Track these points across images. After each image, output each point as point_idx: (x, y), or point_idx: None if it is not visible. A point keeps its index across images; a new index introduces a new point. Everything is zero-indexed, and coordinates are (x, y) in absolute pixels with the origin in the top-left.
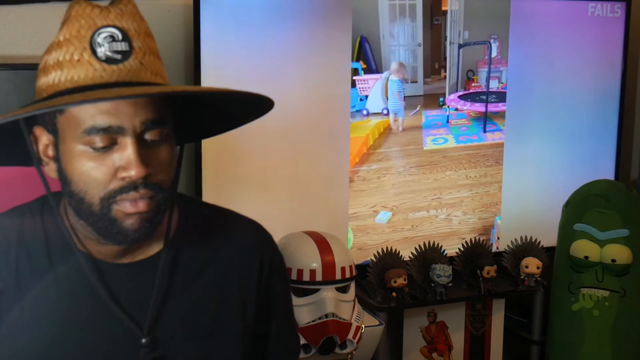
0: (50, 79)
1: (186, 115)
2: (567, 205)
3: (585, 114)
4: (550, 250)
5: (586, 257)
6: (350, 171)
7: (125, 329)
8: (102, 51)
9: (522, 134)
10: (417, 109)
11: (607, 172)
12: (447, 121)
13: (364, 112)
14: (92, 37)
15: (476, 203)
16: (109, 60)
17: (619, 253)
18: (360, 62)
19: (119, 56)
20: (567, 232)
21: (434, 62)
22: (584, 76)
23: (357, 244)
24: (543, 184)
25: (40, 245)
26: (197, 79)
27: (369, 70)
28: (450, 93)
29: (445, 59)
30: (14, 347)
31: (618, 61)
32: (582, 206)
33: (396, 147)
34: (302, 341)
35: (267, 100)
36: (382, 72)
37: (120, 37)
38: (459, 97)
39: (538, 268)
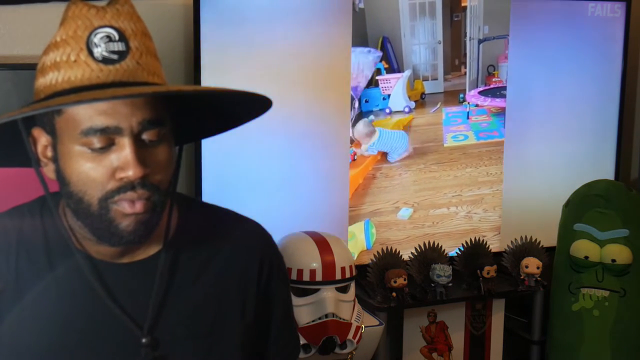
0: (48, 80)
1: (185, 116)
2: (567, 205)
3: (585, 114)
4: (550, 250)
5: (586, 257)
6: (373, 168)
7: (126, 329)
8: (98, 51)
9: (522, 133)
10: (437, 106)
11: (607, 172)
12: (468, 117)
13: (387, 110)
14: (88, 37)
15: (497, 200)
16: (105, 61)
17: (619, 253)
18: (383, 62)
19: (115, 56)
20: (567, 232)
21: (454, 59)
22: (584, 76)
23: (379, 240)
24: (543, 184)
25: (39, 245)
26: (197, 79)
27: (391, 70)
28: (470, 89)
29: (465, 55)
30: (14, 347)
31: (618, 61)
32: (582, 206)
33: (416, 144)
34: (302, 341)
35: (265, 99)
36: (403, 71)
37: (116, 37)
38: (480, 93)
39: (538, 268)
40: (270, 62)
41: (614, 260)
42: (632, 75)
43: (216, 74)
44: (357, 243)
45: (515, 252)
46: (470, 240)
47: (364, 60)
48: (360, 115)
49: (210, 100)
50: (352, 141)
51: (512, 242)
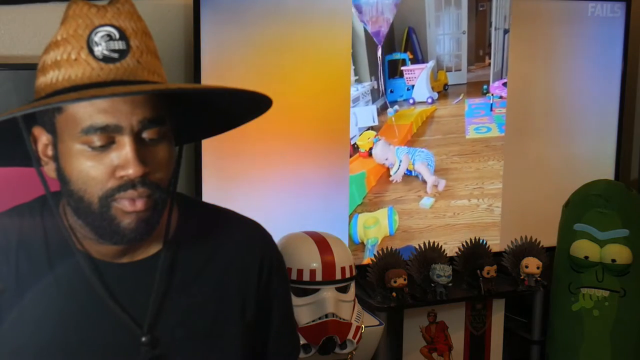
0: (48, 79)
1: (185, 115)
2: (567, 205)
3: (585, 114)
4: (550, 250)
5: (586, 257)
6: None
7: (125, 328)
8: (99, 50)
9: (522, 134)
10: (460, 97)
11: (607, 172)
12: (491, 109)
13: (411, 101)
14: (89, 36)
15: None
16: (106, 59)
17: (619, 253)
18: (408, 52)
19: (116, 55)
20: (567, 232)
21: (478, 49)
22: (584, 76)
23: (402, 227)
24: (543, 184)
25: (40, 245)
26: (197, 79)
27: (415, 60)
28: (494, 80)
29: (489, 45)
30: (14, 346)
31: (618, 61)
32: (582, 206)
33: (439, 135)
34: (302, 341)
35: (265, 98)
36: (427, 62)
37: (117, 36)
38: (504, 84)
39: (538, 268)
40: (270, 61)
41: (614, 260)
42: (632, 75)
43: (216, 74)
44: (380, 229)
45: (515, 252)
46: (470, 240)
47: (383, 2)
48: (386, 105)
49: (211, 99)
50: (377, 130)
51: (512, 242)
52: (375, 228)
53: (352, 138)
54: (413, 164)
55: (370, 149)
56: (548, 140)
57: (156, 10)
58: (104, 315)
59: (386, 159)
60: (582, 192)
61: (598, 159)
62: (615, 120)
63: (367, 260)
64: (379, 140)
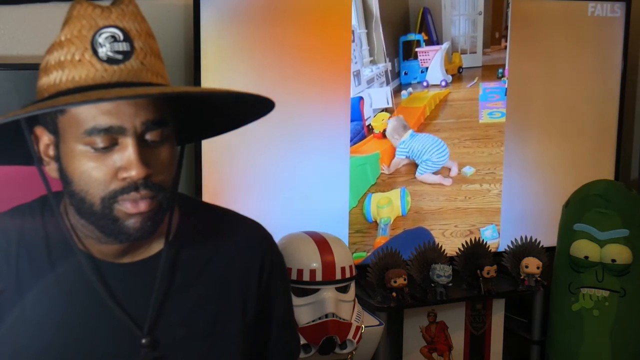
0: (52, 79)
1: (187, 116)
2: (567, 205)
3: (585, 114)
4: (550, 250)
5: (586, 257)
6: None
7: (126, 329)
8: (103, 51)
9: (522, 133)
10: (475, 80)
11: (607, 172)
12: (506, 94)
13: (424, 83)
14: (93, 37)
15: None
16: (110, 61)
17: (619, 253)
18: (422, 33)
19: (120, 56)
20: (567, 232)
21: (495, 32)
22: (584, 76)
23: (414, 208)
24: (543, 184)
25: (40, 245)
26: (197, 80)
27: (430, 42)
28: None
29: (506, 27)
30: (14, 346)
31: (618, 61)
32: (582, 206)
33: (452, 119)
34: (302, 341)
35: (268, 100)
36: (442, 44)
37: (121, 37)
38: None
39: (538, 268)
40: (270, 61)
41: (614, 260)
42: (632, 75)
43: (216, 74)
44: (393, 209)
45: (515, 252)
46: (470, 240)
47: None
48: (400, 87)
49: (213, 100)
50: (391, 112)
51: (512, 242)
52: (388, 208)
53: (367, 119)
54: (416, 169)
55: (384, 130)
56: (548, 140)
57: (156, 10)
58: (105, 316)
59: (394, 137)
60: (582, 192)
61: (598, 159)
62: (615, 120)
63: (379, 239)
64: (399, 116)
